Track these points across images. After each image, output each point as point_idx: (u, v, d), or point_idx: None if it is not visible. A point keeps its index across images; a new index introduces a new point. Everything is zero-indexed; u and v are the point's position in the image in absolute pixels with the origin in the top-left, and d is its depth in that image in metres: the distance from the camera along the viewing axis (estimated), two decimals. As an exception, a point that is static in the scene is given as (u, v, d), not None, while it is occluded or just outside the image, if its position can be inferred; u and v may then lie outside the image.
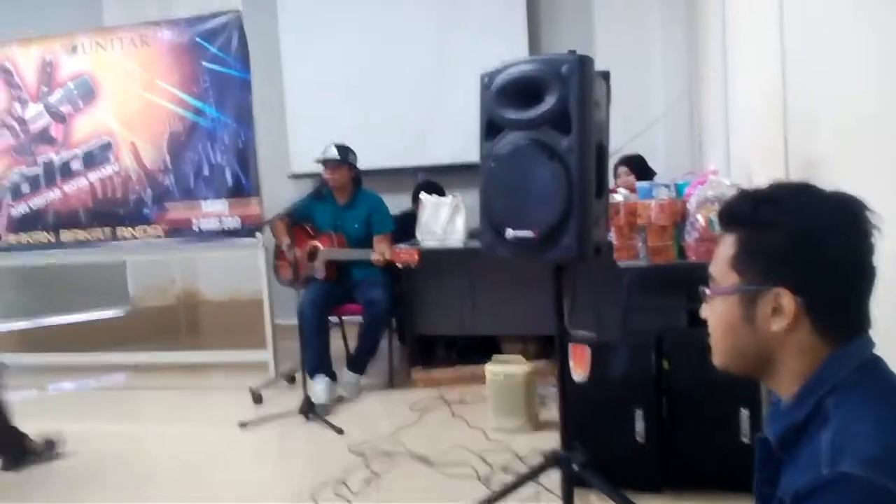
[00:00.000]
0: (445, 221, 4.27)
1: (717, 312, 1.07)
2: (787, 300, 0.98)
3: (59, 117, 4.66)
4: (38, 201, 4.72)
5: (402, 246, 4.03)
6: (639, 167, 4.21)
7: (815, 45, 2.08)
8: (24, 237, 4.75)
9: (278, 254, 4.37)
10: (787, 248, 0.99)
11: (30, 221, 4.74)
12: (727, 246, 1.05)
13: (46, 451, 3.39)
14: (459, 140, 4.93)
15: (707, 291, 1.08)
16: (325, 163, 4.16)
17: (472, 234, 4.22)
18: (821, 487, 0.87)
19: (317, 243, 4.19)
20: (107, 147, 4.58)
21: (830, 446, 0.89)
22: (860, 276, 0.99)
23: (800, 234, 0.98)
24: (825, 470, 0.87)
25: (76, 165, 4.64)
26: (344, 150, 4.18)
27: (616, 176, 4.15)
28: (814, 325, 0.99)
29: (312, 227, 4.26)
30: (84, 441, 3.69)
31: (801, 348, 1.00)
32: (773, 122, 2.46)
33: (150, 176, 4.50)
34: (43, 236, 4.72)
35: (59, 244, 4.69)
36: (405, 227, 4.55)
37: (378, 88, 5.32)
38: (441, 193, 4.63)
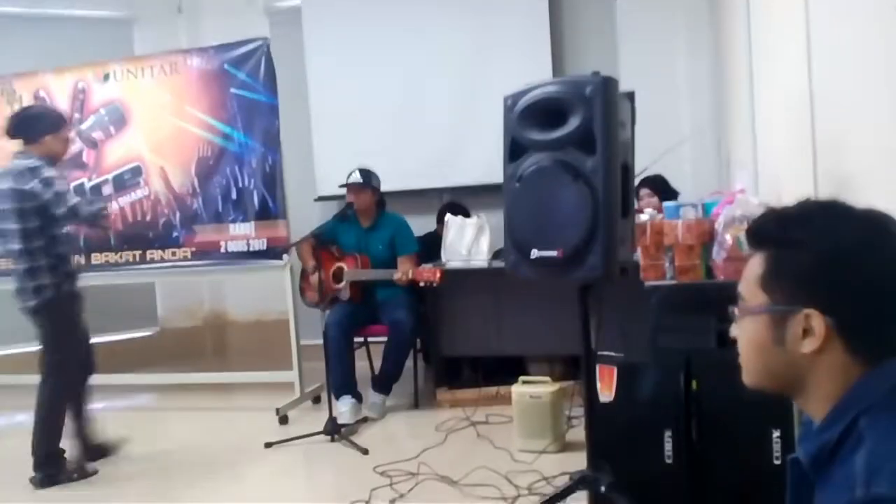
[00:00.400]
0: (470, 242, 4.29)
1: (746, 332, 1.06)
2: (818, 321, 0.96)
3: (91, 143, 4.76)
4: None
5: (425, 266, 4.05)
6: (661, 188, 4.20)
7: (843, 61, 2.07)
8: (56, 260, 4.83)
9: (304, 276, 4.41)
10: (816, 268, 0.97)
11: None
12: (756, 265, 1.04)
13: (78, 474, 3.43)
14: (484, 161, 4.94)
15: (736, 311, 1.07)
16: (349, 186, 4.21)
17: (496, 255, 4.23)
18: None
19: (342, 265, 4.23)
20: (137, 172, 4.67)
21: (865, 468, 0.88)
22: (893, 294, 0.97)
23: (828, 253, 0.97)
24: (859, 492, 0.86)
25: (107, 190, 4.73)
26: (367, 174, 4.23)
27: (638, 198, 4.13)
28: (846, 346, 0.97)
29: (338, 250, 4.30)
30: (112, 462, 3.73)
31: (833, 369, 0.98)
32: (802, 141, 2.44)
33: (179, 199, 4.57)
34: (74, 259, 4.79)
35: (89, 266, 4.76)
36: (429, 247, 4.57)
37: (403, 111, 5.37)
38: (466, 214, 4.65)
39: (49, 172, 3.35)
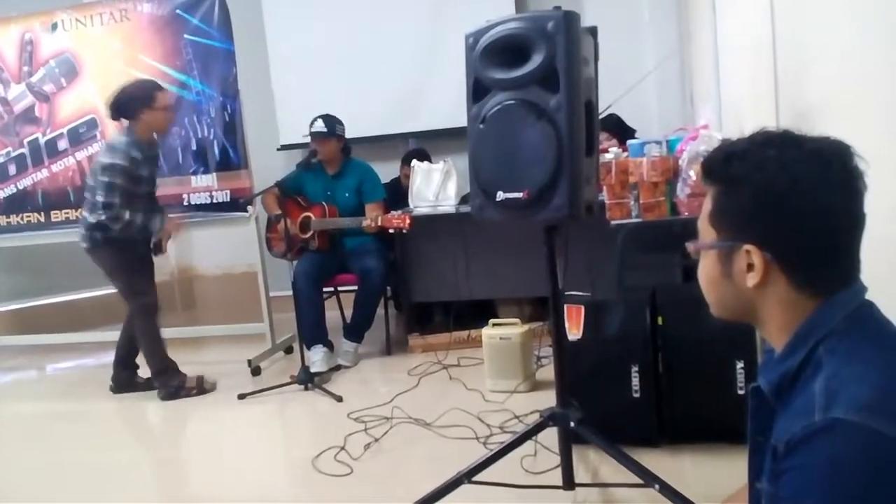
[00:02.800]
0: (437, 187, 4.27)
1: (702, 267, 1.09)
2: (756, 257, 0.98)
3: (43, 97, 4.60)
4: (25, 182, 4.68)
5: (393, 213, 4.02)
6: (617, 127, 4.17)
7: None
8: (13, 219, 4.72)
9: (270, 227, 4.36)
10: (753, 205, 0.98)
11: (18, 202, 4.70)
12: (707, 201, 1.06)
13: (197, 390, 3.81)
14: (449, 104, 4.87)
15: (690, 247, 1.10)
16: (313, 136, 4.13)
17: (464, 199, 4.21)
18: (814, 434, 0.87)
19: (309, 214, 4.18)
20: (92, 124, 4.53)
21: (823, 393, 0.89)
22: (837, 227, 0.97)
23: (763, 189, 0.97)
24: (818, 416, 0.87)
25: (62, 144, 4.59)
26: (331, 122, 4.15)
27: None
28: (788, 280, 0.98)
29: (304, 199, 4.25)
30: (83, 419, 3.72)
31: (781, 302, 1.00)
32: (764, 73, 2.44)
33: (138, 152, 4.45)
34: (33, 217, 4.69)
35: (49, 224, 4.66)
36: (393, 194, 4.54)
37: (365, 55, 5.25)
38: (428, 160, 4.61)
39: (127, 153, 3.55)
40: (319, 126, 4.13)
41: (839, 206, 0.97)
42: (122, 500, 2.73)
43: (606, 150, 3.12)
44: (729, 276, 1.03)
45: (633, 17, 4.89)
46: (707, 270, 1.07)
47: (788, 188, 0.96)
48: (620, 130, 4.14)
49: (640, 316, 2.58)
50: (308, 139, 4.19)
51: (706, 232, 1.06)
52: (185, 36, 4.26)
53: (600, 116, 4.05)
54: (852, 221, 0.98)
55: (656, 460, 2.39)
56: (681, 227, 2.69)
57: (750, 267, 0.99)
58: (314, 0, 5.32)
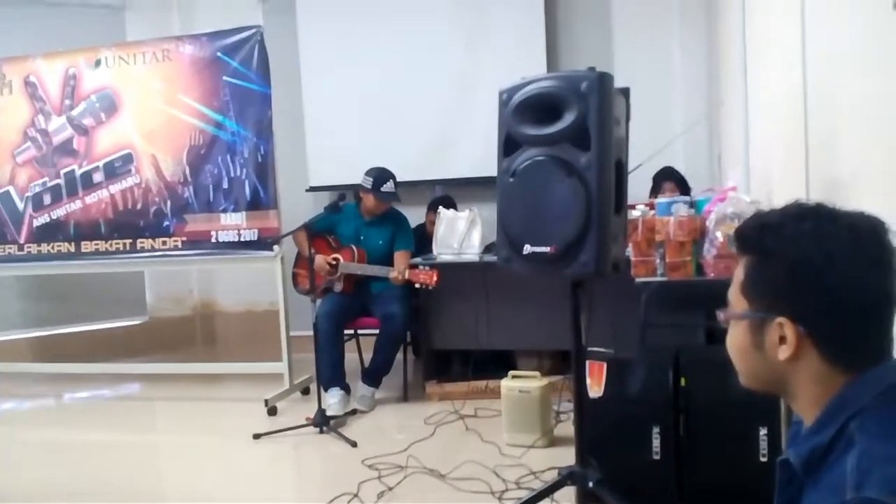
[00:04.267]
0: (462, 235, 4.29)
1: (731, 336, 1.08)
2: (789, 330, 0.98)
3: (82, 130, 4.72)
4: (59, 212, 4.77)
5: (420, 265, 4.03)
6: (682, 183, 4.20)
7: (837, 60, 2.08)
8: (44, 247, 4.80)
9: (298, 262, 4.40)
10: (787, 279, 0.98)
11: (51, 231, 4.79)
12: (739, 270, 1.06)
13: None
14: (477, 154, 4.94)
15: (721, 316, 1.09)
16: (383, 196, 4.19)
17: (488, 248, 4.23)
18: None
19: (338, 256, 4.22)
20: (128, 159, 4.63)
21: (855, 470, 0.88)
22: (870, 304, 0.97)
23: (799, 264, 0.97)
24: (850, 495, 0.86)
25: (97, 177, 4.69)
26: (396, 186, 4.23)
27: (660, 191, 4.12)
28: (822, 354, 0.98)
29: (335, 240, 4.30)
30: (98, 450, 3.72)
31: (812, 375, 0.99)
32: (794, 139, 2.45)
33: (170, 188, 4.54)
34: (63, 246, 4.77)
35: (79, 254, 4.73)
36: (419, 239, 4.56)
37: (396, 103, 5.34)
38: (454, 208, 4.65)
39: None
40: (390, 188, 4.19)
41: (873, 283, 0.96)
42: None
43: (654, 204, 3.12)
44: (760, 347, 1.02)
45: (664, 78, 4.95)
46: (737, 340, 1.06)
47: (823, 264, 0.96)
48: (683, 184, 4.17)
49: (662, 376, 2.55)
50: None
51: (737, 301, 1.06)
52: (224, 78, 4.37)
53: (665, 169, 4.10)
54: (887, 299, 0.98)
55: (675, 525, 2.34)
56: (706, 288, 2.67)
57: (782, 340, 0.99)
58: (350, 46, 5.44)
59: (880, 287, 0.97)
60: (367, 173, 4.24)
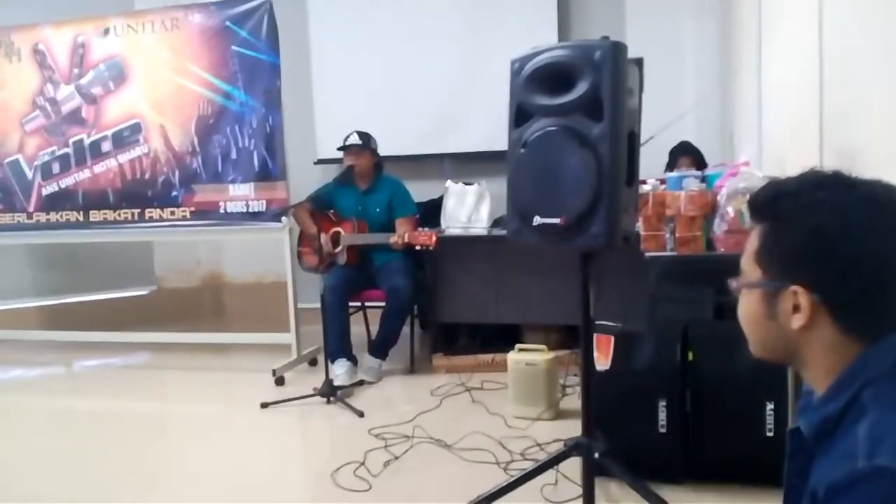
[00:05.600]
0: (471, 209, 4.28)
1: (744, 306, 1.07)
2: (804, 298, 0.96)
3: (90, 99, 4.70)
4: (67, 181, 4.78)
5: (422, 229, 4.04)
6: (699, 158, 4.17)
7: (854, 33, 2.05)
8: (53, 216, 4.82)
9: (302, 240, 4.40)
10: (804, 246, 0.97)
11: (60, 200, 4.80)
12: (753, 239, 1.04)
13: None
14: (486, 128, 4.91)
15: (733, 284, 1.08)
16: (348, 149, 4.19)
17: (496, 222, 4.22)
18: (857, 480, 0.85)
19: (339, 229, 4.22)
20: (136, 129, 4.62)
21: (868, 439, 0.88)
22: (886, 272, 0.96)
23: (816, 231, 0.96)
24: (862, 463, 0.86)
25: (106, 146, 4.69)
26: (365, 136, 4.21)
27: (676, 166, 4.09)
28: (836, 323, 0.97)
29: (335, 214, 4.29)
30: (106, 419, 3.75)
31: (826, 345, 0.98)
32: (809, 113, 2.42)
33: (179, 158, 4.53)
34: (72, 215, 4.78)
35: (87, 224, 4.75)
36: (437, 214, 4.51)
37: (406, 75, 5.31)
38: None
39: None
40: (354, 139, 4.19)
41: (889, 252, 0.95)
42: (136, 501, 2.75)
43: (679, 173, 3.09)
44: (773, 316, 1.01)
45: (677, 51, 4.89)
46: (750, 309, 1.05)
47: (841, 232, 0.95)
48: (699, 159, 4.14)
49: (670, 350, 2.55)
50: (342, 154, 4.25)
51: (751, 270, 1.04)
52: (233, 47, 4.34)
53: (682, 144, 4.06)
54: None
55: (679, 498, 2.36)
56: (716, 263, 2.67)
57: (796, 308, 0.98)
58: (359, 19, 5.39)
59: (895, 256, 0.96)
60: None
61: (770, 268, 1.01)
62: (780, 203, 1.01)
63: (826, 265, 0.96)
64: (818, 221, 0.96)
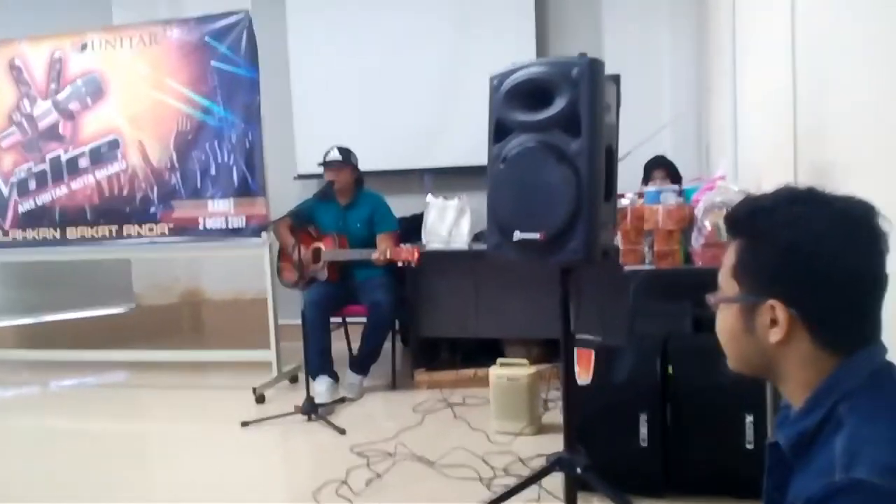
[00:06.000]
0: (451, 224, 4.29)
1: (721, 320, 1.08)
2: (781, 313, 0.98)
3: (68, 115, 4.67)
4: (44, 198, 4.73)
5: (404, 245, 4.03)
6: (673, 171, 4.21)
7: (827, 50, 2.08)
8: (30, 233, 4.76)
9: (282, 256, 4.38)
10: (779, 261, 0.99)
11: (36, 218, 4.74)
12: (730, 254, 1.06)
13: None
14: (466, 143, 4.92)
15: (711, 299, 1.09)
16: (328, 165, 4.18)
17: (477, 237, 4.23)
18: (835, 494, 0.86)
19: (320, 245, 4.20)
20: (114, 145, 4.59)
21: (845, 452, 0.89)
22: (861, 287, 0.98)
23: (789, 246, 0.98)
24: (839, 476, 0.87)
25: (83, 163, 4.65)
26: (346, 152, 4.21)
27: (650, 179, 4.13)
28: (813, 337, 0.98)
29: (316, 230, 4.27)
30: (84, 438, 3.70)
31: (802, 359, 0.99)
32: (783, 129, 2.45)
33: (157, 174, 4.50)
34: (49, 233, 4.73)
35: (64, 241, 4.69)
36: (418, 228, 4.51)
37: (385, 90, 5.32)
38: None
39: None
40: (335, 155, 4.19)
41: (864, 266, 0.97)
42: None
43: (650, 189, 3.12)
44: (751, 330, 1.02)
45: (654, 67, 4.95)
46: (728, 324, 1.06)
47: (815, 248, 0.96)
48: (675, 173, 4.18)
49: (650, 364, 2.56)
50: (322, 169, 4.24)
51: (728, 285, 1.06)
52: (212, 63, 4.33)
53: (656, 157, 4.11)
54: (876, 282, 0.99)
55: (662, 511, 2.36)
56: (694, 276, 2.69)
57: (773, 322, 0.99)
58: (339, 33, 5.40)
59: (870, 270, 0.98)
60: None
61: (747, 283, 1.03)
62: (756, 219, 1.02)
63: (801, 280, 0.97)
64: (793, 237, 0.97)
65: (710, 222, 2.68)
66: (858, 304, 0.98)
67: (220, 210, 4.40)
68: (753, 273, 1.02)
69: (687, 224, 2.81)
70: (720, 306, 1.08)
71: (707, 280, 1.13)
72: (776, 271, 0.99)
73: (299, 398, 3.70)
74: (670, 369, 2.55)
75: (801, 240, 0.97)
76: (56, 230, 4.71)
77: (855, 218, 0.98)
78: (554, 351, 3.91)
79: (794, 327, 0.98)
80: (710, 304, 1.10)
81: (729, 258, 1.06)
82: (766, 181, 2.76)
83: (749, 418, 2.43)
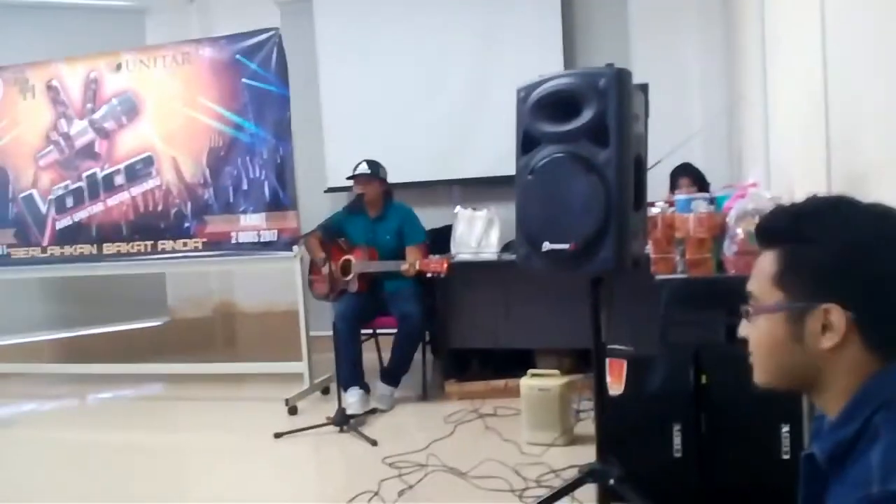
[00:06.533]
0: (480, 234, 4.30)
1: (760, 331, 1.05)
2: (838, 316, 0.96)
3: (103, 133, 4.78)
4: (81, 214, 4.83)
5: (433, 256, 4.05)
6: (699, 178, 4.19)
7: (858, 56, 2.06)
8: (67, 249, 4.86)
9: (312, 269, 4.43)
10: (835, 263, 0.97)
11: (73, 234, 4.85)
12: (768, 263, 1.03)
13: None
14: (495, 153, 4.93)
15: (749, 310, 1.06)
16: (357, 178, 4.22)
17: (506, 247, 4.23)
18: None
19: (350, 257, 4.24)
20: (149, 162, 4.68)
21: (882, 464, 0.87)
22: None
23: (847, 247, 0.97)
24: (876, 488, 0.86)
25: (119, 180, 4.75)
26: (374, 165, 4.25)
27: (677, 187, 4.11)
28: (863, 341, 0.97)
29: (346, 242, 4.32)
30: (120, 450, 3.76)
31: (850, 365, 0.98)
32: (815, 136, 2.43)
33: (191, 190, 4.59)
34: (86, 248, 4.83)
35: (101, 256, 4.79)
36: (447, 240, 4.53)
37: (414, 103, 5.36)
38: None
39: None
40: (364, 168, 4.23)
41: None
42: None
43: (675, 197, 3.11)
44: (799, 338, 1.00)
45: (682, 75, 4.92)
46: (770, 334, 1.03)
47: (870, 247, 0.96)
48: (702, 181, 4.16)
49: (683, 373, 2.54)
50: (352, 182, 4.28)
51: (769, 294, 1.03)
52: (243, 80, 4.40)
53: (682, 165, 4.10)
54: None
55: (697, 523, 2.33)
56: (727, 284, 2.65)
57: (825, 328, 0.98)
58: (367, 47, 5.46)
59: None
60: None
61: (796, 289, 1.00)
62: (802, 223, 1.01)
63: (859, 280, 0.96)
64: (849, 238, 0.97)
65: (742, 230, 2.65)
66: None
67: (252, 224, 4.46)
68: (804, 278, 1.00)
69: (719, 232, 2.78)
70: (758, 317, 1.05)
71: (740, 288, 1.11)
72: (832, 274, 0.97)
73: (331, 409, 3.73)
74: (704, 379, 2.52)
75: (857, 240, 0.97)
76: (93, 246, 4.81)
77: (893, 220, 0.98)
78: (585, 361, 3.89)
79: (849, 331, 0.97)
80: (748, 316, 1.06)
81: (768, 266, 1.03)
82: (799, 188, 2.73)
83: (785, 428, 2.39)
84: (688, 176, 4.17)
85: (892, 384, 0.95)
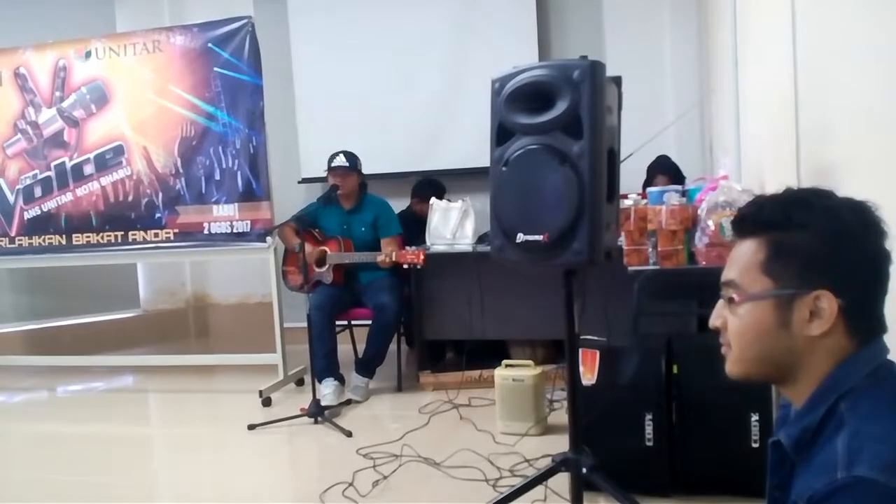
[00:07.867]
0: (455, 226, 4.29)
1: (745, 319, 1.04)
2: (828, 302, 0.97)
3: (72, 122, 4.69)
4: (50, 204, 4.75)
5: (409, 248, 4.06)
6: (675, 172, 4.21)
7: (828, 51, 2.09)
8: (36, 240, 4.78)
9: (287, 260, 4.40)
10: (826, 250, 0.98)
11: (42, 224, 4.77)
12: (754, 251, 1.03)
13: None
14: (469, 145, 4.94)
15: (735, 298, 1.05)
16: (335, 170, 4.20)
17: (481, 239, 4.23)
18: (837, 491, 0.87)
19: (325, 248, 4.22)
20: (119, 151, 4.61)
21: (846, 450, 0.90)
22: (884, 277, 1.01)
23: (836, 234, 0.98)
24: (841, 474, 0.88)
25: (88, 169, 4.67)
26: (352, 157, 4.23)
27: (654, 183, 4.13)
28: (847, 327, 0.99)
29: (320, 233, 4.30)
30: (92, 443, 3.72)
31: (830, 351, 1.00)
32: (786, 129, 2.46)
33: (162, 180, 4.53)
34: (55, 239, 4.75)
35: (70, 247, 4.72)
36: (407, 226, 4.54)
37: (388, 94, 5.34)
38: (441, 190, 4.68)
39: None
40: (341, 161, 4.20)
41: (885, 256, 1.01)
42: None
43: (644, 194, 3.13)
44: (786, 325, 1.00)
45: (655, 68, 4.96)
46: (755, 322, 1.03)
47: (859, 232, 0.99)
48: (675, 173, 4.18)
49: (655, 364, 2.57)
50: (326, 174, 4.26)
51: (755, 282, 1.03)
52: (216, 69, 4.35)
53: (659, 159, 4.12)
54: (889, 273, 1.01)
55: (668, 511, 2.36)
56: (698, 276, 2.69)
57: (813, 314, 0.99)
58: (341, 37, 5.43)
59: (887, 261, 1.01)
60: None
61: (783, 276, 1.01)
62: (792, 211, 1.02)
63: (849, 266, 0.98)
64: (840, 224, 0.99)
65: (713, 222, 2.69)
66: (882, 294, 1.01)
67: (224, 215, 4.42)
68: (794, 265, 1.00)
69: (690, 224, 2.82)
70: (742, 306, 1.04)
71: (711, 279, 1.12)
72: (823, 260, 0.99)
73: (305, 401, 3.72)
74: (675, 369, 2.56)
75: (845, 227, 0.98)
76: (62, 236, 4.73)
77: (870, 210, 1.00)
78: (559, 352, 3.93)
79: (837, 317, 0.98)
80: (732, 304, 1.05)
81: (752, 254, 1.03)
82: (769, 181, 2.77)
83: (754, 417, 2.43)
84: (665, 174, 4.20)
85: (858, 372, 0.98)
